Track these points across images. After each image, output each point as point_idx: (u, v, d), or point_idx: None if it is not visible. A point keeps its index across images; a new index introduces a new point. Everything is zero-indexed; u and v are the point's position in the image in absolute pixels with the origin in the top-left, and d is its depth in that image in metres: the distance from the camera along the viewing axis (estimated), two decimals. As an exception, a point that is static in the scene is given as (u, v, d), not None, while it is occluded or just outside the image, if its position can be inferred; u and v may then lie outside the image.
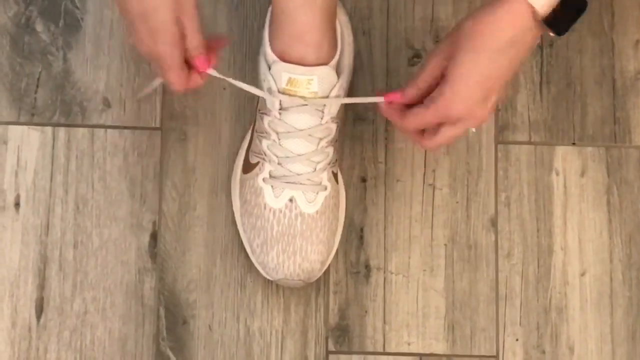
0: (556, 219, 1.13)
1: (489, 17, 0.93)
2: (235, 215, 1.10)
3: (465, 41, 0.94)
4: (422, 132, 1.00)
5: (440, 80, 0.96)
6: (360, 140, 1.14)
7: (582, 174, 1.14)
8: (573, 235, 1.13)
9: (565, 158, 1.15)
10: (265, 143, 1.06)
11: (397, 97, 0.99)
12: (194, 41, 0.96)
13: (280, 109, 1.03)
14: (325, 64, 1.02)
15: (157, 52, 0.95)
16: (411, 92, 0.98)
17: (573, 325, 1.11)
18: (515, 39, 0.94)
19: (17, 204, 1.11)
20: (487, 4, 0.94)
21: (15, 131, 1.13)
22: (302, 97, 1.02)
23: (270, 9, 1.06)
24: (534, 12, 0.93)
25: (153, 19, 0.94)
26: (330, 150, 1.06)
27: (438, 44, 0.98)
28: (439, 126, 0.98)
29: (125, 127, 1.13)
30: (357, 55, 1.13)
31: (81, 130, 1.13)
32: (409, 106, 0.99)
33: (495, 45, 0.94)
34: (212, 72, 0.99)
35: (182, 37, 0.96)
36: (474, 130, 1.00)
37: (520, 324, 1.11)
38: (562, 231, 1.13)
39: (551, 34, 0.95)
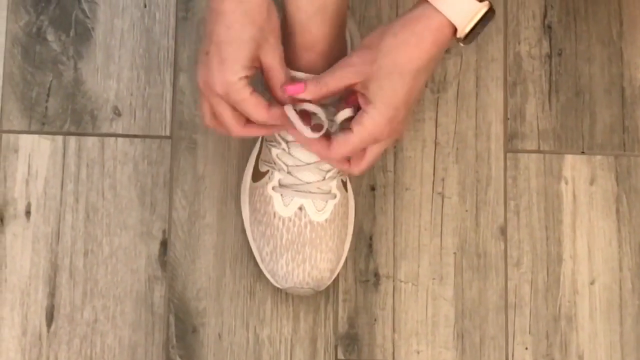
0: (565, 227, 1.13)
1: (410, 36, 0.93)
2: (245, 223, 1.10)
3: (385, 63, 0.94)
4: (347, 160, 1.00)
5: (345, 89, 0.96)
6: (369, 149, 1.14)
7: (591, 183, 1.14)
8: (582, 244, 1.13)
9: (575, 167, 1.15)
10: (274, 151, 1.06)
11: (299, 89, 0.97)
12: (282, 75, 0.98)
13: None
14: (335, 73, 1.02)
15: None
16: (313, 90, 0.97)
17: (582, 334, 1.11)
18: (436, 56, 0.94)
19: (27, 212, 1.12)
20: (404, 16, 0.94)
21: (26, 140, 1.13)
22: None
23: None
24: (454, 29, 0.93)
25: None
26: (340, 158, 1.06)
27: (351, 53, 0.97)
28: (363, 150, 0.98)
29: (135, 136, 1.14)
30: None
31: (91, 139, 1.14)
32: (323, 136, 0.99)
33: (420, 65, 0.94)
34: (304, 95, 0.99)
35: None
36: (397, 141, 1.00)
37: (529, 332, 1.11)
38: (572, 240, 1.13)
39: (461, 44, 0.95)
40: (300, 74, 1.00)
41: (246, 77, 0.95)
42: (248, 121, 0.99)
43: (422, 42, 0.93)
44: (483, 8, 0.93)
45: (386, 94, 0.95)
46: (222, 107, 0.97)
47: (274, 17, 0.96)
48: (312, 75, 0.99)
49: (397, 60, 0.94)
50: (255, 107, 0.97)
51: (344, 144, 0.97)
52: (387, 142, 0.99)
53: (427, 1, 0.93)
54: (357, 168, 1.00)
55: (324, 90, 0.97)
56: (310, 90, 0.97)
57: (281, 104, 0.99)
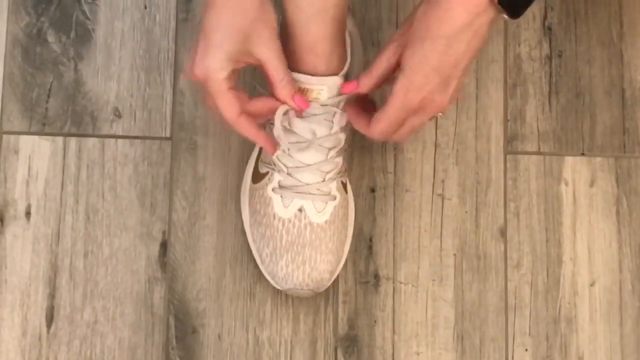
0: (565, 229, 1.13)
1: (441, 1, 0.92)
2: (245, 224, 1.10)
3: (418, 28, 0.93)
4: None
5: (395, 69, 0.95)
6: (369, 151, 1.14)
7: (592, 184, 1.14)
8: (582, 246, 1.13)
9: (575, 168, 1.15)
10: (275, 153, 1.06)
11: (353, 86, 0.99)
12: (280, 70, 0.97)
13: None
14: (335, 74, 1.02)
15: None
16: (366, 81, 0.98)
17: (582, 336, 1.11)
18: (469, 23, 0.92)
19: (28, 214, 1.12)
20: None
21: (26, 141, 1.13)
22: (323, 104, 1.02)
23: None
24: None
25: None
26: (340, 160, 1.06)
27: (394, 32, 0.97)
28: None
29: (135, 137, 1.14)
30: (366, 65, 1.13)
31: (92, 140, 1.14)
32: (367, 109, 0.99)
33: (450, 31, 0.92)
34: (314, 108, 1.00)
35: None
36: (441, 114, 0.98)
37: (529, 334, 1.11)
38: (572, 241, 1.13)
39: (505, 16, 0.93)
40: (299, 76, 1.00)
41: (230, 70, 0.95)
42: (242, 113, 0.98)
43: (452, 6, 0.91)
44: None
45: (416, 59, 0.93)
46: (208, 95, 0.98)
47: (268, 12, 0.95)
48: (317, 78, 1.00)
49: (428, 25, 0.92)
50: (227, 106, 0.96)
51: (381, 119, 0.97)
52: (423, 114, 0.97)
53: None
54: (396, 136, 0.99)
55: (376, 76, 0.97)
56: (364, 83, 0.98)
57: (280, 101, 0.99)
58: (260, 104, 1.00)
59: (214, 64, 0.94)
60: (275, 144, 1.02)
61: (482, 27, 0.93)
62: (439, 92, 0.95)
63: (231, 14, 0.94)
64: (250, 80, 1.12)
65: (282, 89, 0.98)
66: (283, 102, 0.99)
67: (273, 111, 1.00)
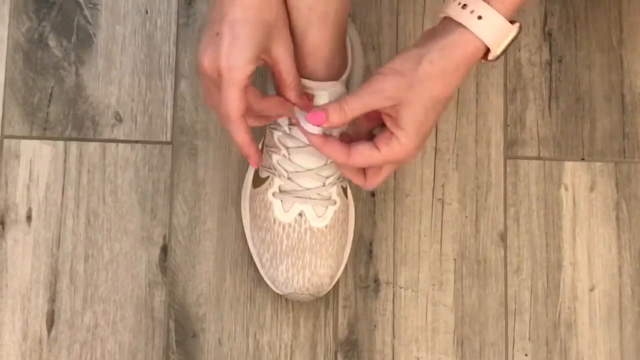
0: (565, 234, 1.13)
1: (449, 64, 0.91)
2: (245, 229, 1.11)
3: (424, 89, 0.92)
4: (362, 170, 0.98)
5: (373, 114, 0.94)
6: (369, 155, 1.14)
7: (591, 189, 1.14)
8: (582, 251, 1.13)
9: (574, 173, 1.15)
10: (275, 158, 1.06)
11: (320, 119, 0.94)
12: (292, 71, 0.96)
13: (289, 124, 1.04)
14: (336, 79, 1.02)
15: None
16: (335, 118, 0.94)
17: (582, 341, 1.11)
18: (466, 75, 0.93)
19: (28, 218, 1.12)
20: (440, 41, 0.91)
21: (27, 145, 1.13)
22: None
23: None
24: (485, 52, 0.92)
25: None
26: (340, 164, 1.06)
27: (378, 76, 0.93)
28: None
29: (136, 142, 1.14)
30: (366, 70, 1.14)
31: (93, 144, 1.14)
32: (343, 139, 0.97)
33: (453, 92, 0.93)
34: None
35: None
36: None
37: (529, 339, 1.11)
38: (571, 246, 1.13)
39: (482, 61, 0.93)
40: (301, 80, 1.00)
41: (255, 65, 0.92)
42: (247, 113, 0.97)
43: (459, 69, 0.91)
44: (513, 30, 0.92)
45: (418, 121, 0.93)
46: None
47: (284, 11, 0.95)
48: (317, 83, 1.00)
49: (433, 88, 0.92)
50: (238, 101, 0.93)
51: (367, 157, 0.95)
52: (402, 164, 0.98)
53: (462, 25, 0.90)
54: (373, 184, 0.99)
55: (350, 116, 0.94)
56: (333, 119, 0.94)
57: (288, 101, 0.98)
58: (271, 103, 0.98)
59: (243, 58, 0.91)
60: (259, 160, 0.99)
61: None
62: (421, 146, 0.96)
63: (257, 8, 0.92)
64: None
65: (293, 89, 0.97)
66: (293, 103, 0.98)
67: (283, 110, 0.99)
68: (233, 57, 0.91)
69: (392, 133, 0.94)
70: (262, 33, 0.92)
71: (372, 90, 0.93)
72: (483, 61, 0.93)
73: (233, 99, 0.93)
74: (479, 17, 0.90)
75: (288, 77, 0.96)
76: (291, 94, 0.97)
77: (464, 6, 0.90)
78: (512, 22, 0.91)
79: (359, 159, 0.96)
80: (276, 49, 0.95)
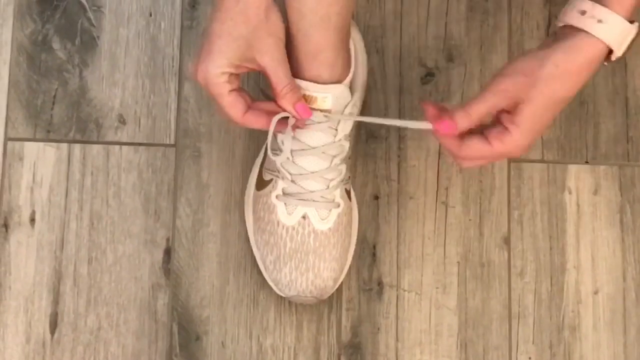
0: (569, 237, 1.13)
1: (572, 66, 0.92)
2: (249, 231, 1.11)
3: (548, 90, 0.93)
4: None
5: (497, 114, 0.95)
6: (373, 158, 1.14)
7: (595, 193, 1.14)
8: (586, 254, 1.13)
9: (578, 176, 1.15)
10: (278, 160, 1.06)
11: (451, 129, 0.95)
12: (287, 89, 0.98)
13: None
14: (340, 82, 1.02)
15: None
16: (464, 123, 0.95)
17: (586, 344, 1.11)
18: (591, 75, 0.94)
19: (32, 220, 1.12)
20: (563, 44, 0.93)
21: (31, 148, 1.14)
22: (326, 110, 1.02)
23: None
24: (608, 53, 0.93)
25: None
26: (343, 167, 1.07)
27: (500, 77, 0.94)
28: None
29: (140, 144, 1.14)
30: (370, 73, 1.14)
31: (96, 147, 1.14)
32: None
33: (575, 93, 0.94)
34: (317, 116, 0.99)
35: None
36: None
37: (533, 342, 1.11)
38: (575, 249, 1.13)
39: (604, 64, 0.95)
40: (304, 83, 1.00)
41: (230, 74, 0.96)
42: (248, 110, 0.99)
43: (583, 72, 0.93)
44: (634, 29, 0.93)
45: (537, 120, 0.94)
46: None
47: (274, 19, 0.96)
48: (321, 85, 1.00)
49: (556, 90, 0.93)
50: (231, 106, 0.97)
51: (477, 150, 0.96)
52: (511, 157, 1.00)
53: (583, 30, 0.91)
54: (468, 163, 0.99)
55: (477, 119, 0.95)
56: (462, 125, 0.95)
57: (281, 109, 0.99)
58: (262, 108, 0.99)
59: (213, 69, 0.95)
60: (304, 107, 0.99)
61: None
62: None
63: (234, 22, 0.95)
64: (254, 85, 1.13)
65: (283, 97, 0.98)
66: (284, 110, 0.99)
67: (273, 116, 1.00)
68: (206, 69, 0.95)
69: (506, 128, 0.95)
70: (236, 46, 0.95)
71: (495, 90, 0.94)
72: (606, 63, 0.94)
73: (224, 106, 0.97)
74: (599, 21, 0.91)
75: (277, 85, 0.97)
76: (282, 102, 0.98)
77: (583, 12, 0.92)
78: (631, 21, 0.93)
79: (469, 152, 0.96)
80: (260, 58, 0.96)
